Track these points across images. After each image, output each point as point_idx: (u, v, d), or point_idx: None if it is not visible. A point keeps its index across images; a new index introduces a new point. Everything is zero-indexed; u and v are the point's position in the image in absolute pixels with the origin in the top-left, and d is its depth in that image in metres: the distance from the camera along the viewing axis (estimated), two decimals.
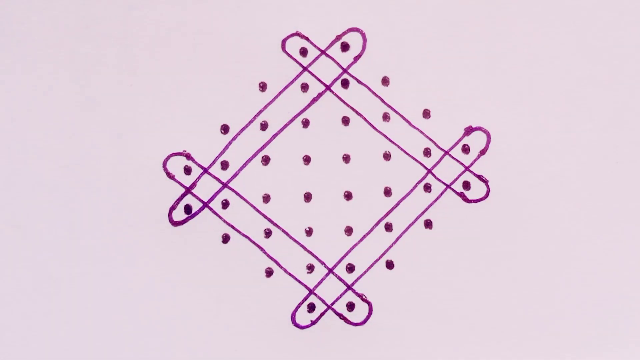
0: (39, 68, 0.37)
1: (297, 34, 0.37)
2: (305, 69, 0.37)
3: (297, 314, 0.36)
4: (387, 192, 0.37)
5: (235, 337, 0.36)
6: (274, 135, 0.37)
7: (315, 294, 0.37)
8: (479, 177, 0.37)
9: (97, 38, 0.37)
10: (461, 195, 0.37)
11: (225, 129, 0.37)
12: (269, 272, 0.37)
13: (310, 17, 0.37)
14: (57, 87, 0.36)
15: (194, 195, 0.37)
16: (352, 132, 0.37)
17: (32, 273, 0.36)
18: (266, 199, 0.37)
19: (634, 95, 0.37)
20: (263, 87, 0.37)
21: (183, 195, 0.37)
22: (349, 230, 0.37)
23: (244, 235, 0.37)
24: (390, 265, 0.37)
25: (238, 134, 0.37)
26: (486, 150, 0.37)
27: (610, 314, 0.36)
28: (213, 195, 0.37)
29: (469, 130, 0.37)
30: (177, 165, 0.37)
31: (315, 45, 0.37)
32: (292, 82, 0.37)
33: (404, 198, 0.37)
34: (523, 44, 0.37)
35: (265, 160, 0.37)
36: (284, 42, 0.37)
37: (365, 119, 0.37)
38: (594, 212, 0.36)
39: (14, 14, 0.37)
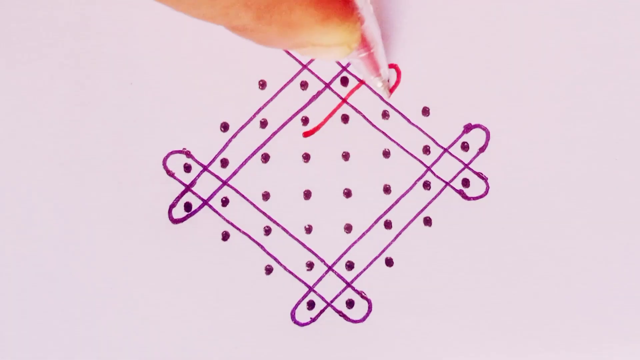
0: (38, 65, 0.37)
1: None
2: (304, 67, 0.37)
3: (297, 311, 0.36)
4: (387, 189, 0.37)
5: (234, 334, 0.36)
6: (274, 133, 0.37)
7: (315, 292, 0.37)
8: (479, 174, 0.37)
9: (96, 35, 0.37)
10: (460, 192, 0.37)
11: (225, 126, 0.37)
12: (269, 270, 0.37)
13: None
14: (56, 85, 0.37)
15: (194, 193, 0.37)
16: (352, 129, 0.37)
17: (32, 271, 0.36)
18: (266, 196, 0.37)
19: (634, 93, 0.37)
20: (263, 85, 0.37)
21: (183, 193, 0.37)
22: (348, 228, 0.37)
23: (243, 232, 0.37)
24: (389, 262, 0.37)
25: (238, 132, 0.37)
26: (485, 148, 0.37)
27: (611, 312, 0.36)
28: (213, 193, 0.37)
29: (468, 128, 0.37)
30: (177, 163, 0.37)
31: None
32: (291, 80, 0.37)
33: (403, 195, 0.37)
34: (523, 41, 0.37)
35: (265, 158, 0.37)
36: None
37: (364, 117, 0.37)
38: (594, 209, 0.36)
39: (13, 13, 0.37)
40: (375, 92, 0.37)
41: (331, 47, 0.29)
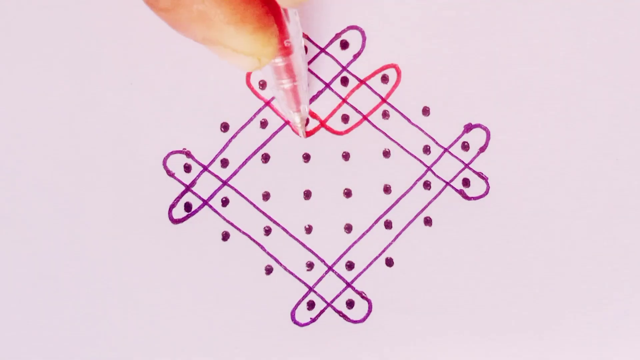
0: (38, 65, 0.37)
1: None
2: None
3: (297, 312, 0.36)
4: (387, 189, 0.37)
5: (234, 334, 0.36)
6: (274, 133, 0.37)
7: (315, 292, 0.37)
8: (479, 174, 0.37)
9: (96, 35, 0.37)
10: (461, 192, 0.37)
11: (225, 126, 0.37)
12: (269, 270, 0.37)
13: (309, 15, 0.37)
14: (56, 85, 0.37)
15: (194, 193, 0.37)
16: (351, 129, 0.37)
17: (32, 271, 0.36)
18: (266, 196, 0.37)
19: (634, 93, 0.37)
20: (263, 85, 0.37)
21: (183, 193, 0.37)
22: (348, 228, 0.37)
23: (243, 232, 0.37)
24: (389, 262, 0.36)
25: (238, 132, 0.37)
26: (486, 148, 0.37)
27: (611, 312, 0.36)
28: (213, 193, 0.37)
29: (468, 128, 0.37)
30: (177, 163, 0.37)
31: (314, 43, 0.37)
32: None
33: (403, 195, 0.37)
34: (523, 41, 0.37)
35: (265, 158, 0.37)
36: None
37: (364, 117, 0.37)
38: (594, 209, 0.36)
39: (14, 13, 0.37)
40: (375, 92, 0.37)
41: (241, 54, 0.29)
